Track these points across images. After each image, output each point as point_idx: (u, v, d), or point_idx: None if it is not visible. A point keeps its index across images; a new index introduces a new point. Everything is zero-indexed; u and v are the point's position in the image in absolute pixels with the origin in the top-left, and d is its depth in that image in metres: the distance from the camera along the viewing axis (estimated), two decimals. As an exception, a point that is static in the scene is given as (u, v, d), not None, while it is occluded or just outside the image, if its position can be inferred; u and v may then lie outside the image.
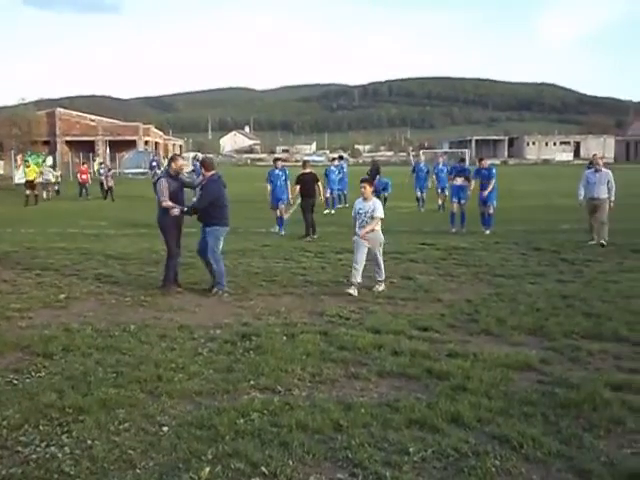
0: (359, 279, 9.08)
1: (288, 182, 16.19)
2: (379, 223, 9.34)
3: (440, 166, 21.67)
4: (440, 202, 21.65)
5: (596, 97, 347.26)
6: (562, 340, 6.70)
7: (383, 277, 9.38)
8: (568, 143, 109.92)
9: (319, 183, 15.78)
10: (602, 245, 12.84)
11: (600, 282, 9.60)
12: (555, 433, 4.48)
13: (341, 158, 26.00)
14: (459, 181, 16.57)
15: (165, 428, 4.59)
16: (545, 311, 7.88)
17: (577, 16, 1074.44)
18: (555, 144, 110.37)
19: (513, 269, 10.82)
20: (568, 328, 7.08)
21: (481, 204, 16.00)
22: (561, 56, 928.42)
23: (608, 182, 13.24)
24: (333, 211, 21.57)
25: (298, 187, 15.58)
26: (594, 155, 13.87)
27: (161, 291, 9.14)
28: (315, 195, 15.67)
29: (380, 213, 9.26)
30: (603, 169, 13.45)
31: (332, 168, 22.56)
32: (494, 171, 16.19)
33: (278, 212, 16.31)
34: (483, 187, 15.98)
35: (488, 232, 15.49)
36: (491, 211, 15.86)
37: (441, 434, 4.46)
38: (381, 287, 9.27)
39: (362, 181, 9.50)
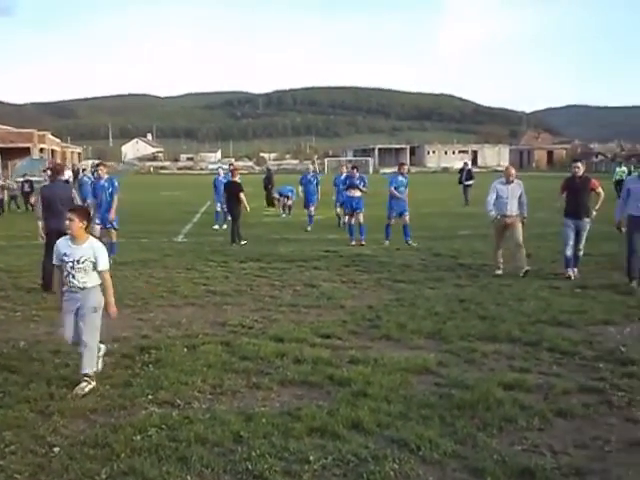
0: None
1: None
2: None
3: (342, 177, 18.39)
4: (340, 217, 18.70)
5: (491, 108, 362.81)
6: (459, 342, 6.91)
7: (93, 369, 5.63)
8: (466, 152, 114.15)
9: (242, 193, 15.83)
10: (525, 273, 10.68)
11: (495, 286, 10.00)
12: (451, 434, 4.60)
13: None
14: (352, 192, 15.58)
15: (56, 449, 4.37)
16: (443, 315, 8.11)
17: (473, 30, 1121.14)
18: (454, 153, 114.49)
19: (413, 275, 11.09)
20: (464, 331, 7.32)
21: (396, 215, 15.03)
22: (459, 68, 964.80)
23: (520, 195, 11.25)
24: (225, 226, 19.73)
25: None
26: (507, 167, 11.81)
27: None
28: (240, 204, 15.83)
29: (105, 265, 5.92)
30: (515, 180, 11.32)
31: (220, 178, 19.95)
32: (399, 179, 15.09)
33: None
34: (401, 195, 14.98)
35: (411, 243, 14.69)
36: (407, 221, 14.98)
37: (341, 441, 4.48)
38: (87, 388, 5.45)
39: (71, 211, 5.90)
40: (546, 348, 6.66)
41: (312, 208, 19.26)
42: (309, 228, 18.53)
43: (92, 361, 5.63)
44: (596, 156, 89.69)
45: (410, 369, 5.99)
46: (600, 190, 10.62)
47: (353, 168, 16.57)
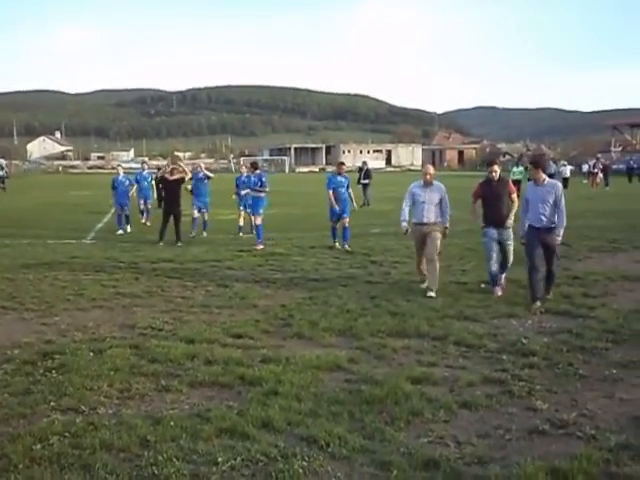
0: None
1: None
2: None
3: (243, 177, 16.98)
4: (241, 222, 17.14)
5: (405, 108, 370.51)
6: (369, 339, 7.01)
7: None
8: (380, 151, 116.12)
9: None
10: (430, 296, 9.05)
11: (405, 282, 10.21)
12: (360, 429, 4.66)
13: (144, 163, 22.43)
14: (250, 192, 15.33)
15: (-52, 462, 4.14)
16: (355, 312, 8.21)
17: (388, 31, 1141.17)
18: (369, 152, 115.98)
19: (326, 273, 11.18)
20: (375, 327, 7.44)
21: (333, 217, 14.43)
22: (373, 68, 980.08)
23: (441, 201, 9.60)
24: (149, 223, 19.69)
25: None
26: (425, 165, 10.19)
27: None
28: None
29: None
30: (435, 183, 9.67)
31: (120, 178, 18.66)
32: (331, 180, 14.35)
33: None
34: (340, 197, 14.25)
35: (348, 248, 13.97)
36: (347, 224, 14.33)
37: (251, 440, 4.46)
38: None
39: None
40: (453, 342, 6.86)
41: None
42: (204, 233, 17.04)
43: None
44: (504, 156, 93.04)
45: (321, 367, 6.03)
46: (515, 197, 9.47)
47: (252, 166, 16.02)
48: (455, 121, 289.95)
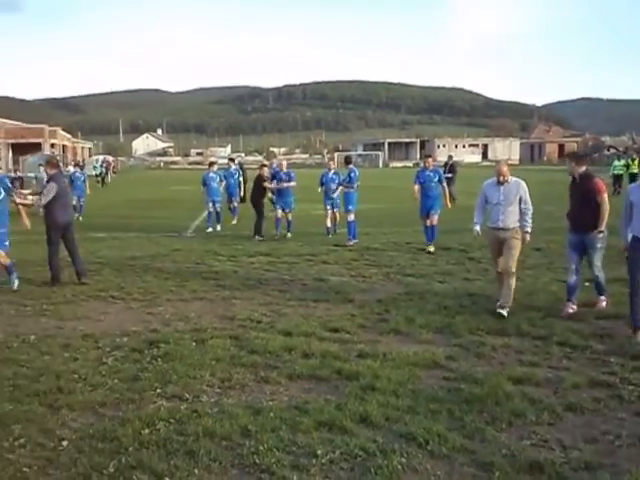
0: None
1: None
2: None
3: (330, 174, 15.65)
4: (328, 223, 15.89)
5: (502, 101, 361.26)
6: (468, 337, 6.88)
7: None
8: (476, 145, 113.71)
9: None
10: (500, 314, 7.68)
11: (504, 279, 9.91)
12: (460, 428, 4.58)
13: (232, 161, 21.81)
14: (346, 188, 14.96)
15: (65, 442, 4.39)
16: (452, 309, 8.07)
17: (484, 22, 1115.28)
18: (464, 146, 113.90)
19: (423, 268, 11.05)
20: (474, 325, 7.29)
21: (423, 213, 13.48)
22: (469, 61, 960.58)
23: (520, 200, 8.00)
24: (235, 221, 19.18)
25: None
26: (498, 163, 8.83)
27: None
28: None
29: None
30: (512, 179, 8.10)
31: (211, 174, 18.28)
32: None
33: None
34: (428, 192, 13.30)
35: (431, 249, 12.98)
36: (435, 222, 13.27)
37: (349, 435, 4.47)
38: None
39: None
40: (556, 342, 6.62)
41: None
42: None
43: None
44: (608, 149, 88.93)
45: (419, 363, 5.97)
46: (604, 197, 7.76)
47: (346, 162, 15.72)
48: (556, 113, 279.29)
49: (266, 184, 16.14)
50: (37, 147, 57.08)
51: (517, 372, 5.68)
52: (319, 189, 15.89)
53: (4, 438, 4.43)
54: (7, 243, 9.43)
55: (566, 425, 4.68)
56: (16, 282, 9.48)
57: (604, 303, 8.15)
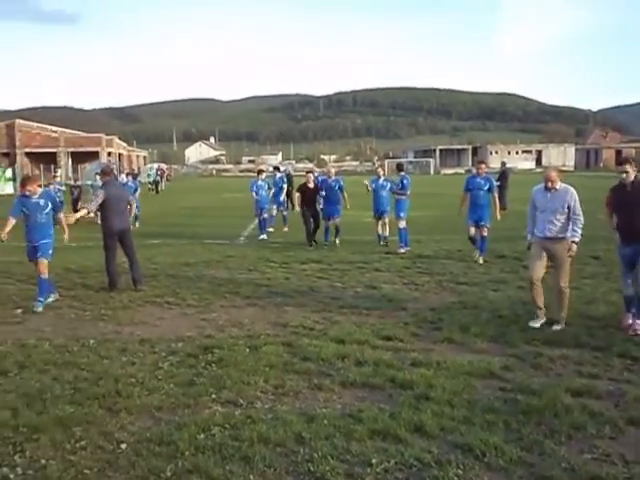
0: None
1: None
2: None
3: (381, 181, 15.18)
4: (380, 230, 15.41)
5: (556, 106, 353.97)
6: (524, 347, 6.75)
7: None
8: (530, 152, 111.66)
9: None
10: (555, 330, 7.42)
11: (561, 288, 9.69)
12: (517, 440, 4.49)
13: (277, 169, 21.76)
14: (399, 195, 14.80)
15: (123, 445, 4.48)
16: (507, 318, 7.94)
17: (536, 27, 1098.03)
18: (517, 153, 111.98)
19: (476, 277, 10.90)
20: (530, 335, 7.15)
21: (472, 223, 12.78)
22: (521, 66, 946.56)
23: (569, 209, 7.56)
24: (286, 229, 19.14)
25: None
26: (546, 168, 7.92)
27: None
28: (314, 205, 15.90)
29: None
30: (561, 186, 7.66)
31: (260, 182, 18.33)
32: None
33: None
34: (477, 200, 12.67)
35: (481, 260, 12.59)
36: (485, 233, 12.73)
37: (404, 444, 4.44)
38: None
39: None
40: (616, 354, 6.44)
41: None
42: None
43: None
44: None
45: (474, 373, 5.89)
46: None
47: (399, 170, 15.70)
48: (613, 118, 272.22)
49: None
50: (95, 156, 58.77)
51: (576, 384, 5.54)
52: (367, 187, 15.40)
53: (66, 440, 4.55)
54: (50, 252, 9.21)
55: (628, 439, 4.54)
56: (40, 307, 8.79)
57: None
